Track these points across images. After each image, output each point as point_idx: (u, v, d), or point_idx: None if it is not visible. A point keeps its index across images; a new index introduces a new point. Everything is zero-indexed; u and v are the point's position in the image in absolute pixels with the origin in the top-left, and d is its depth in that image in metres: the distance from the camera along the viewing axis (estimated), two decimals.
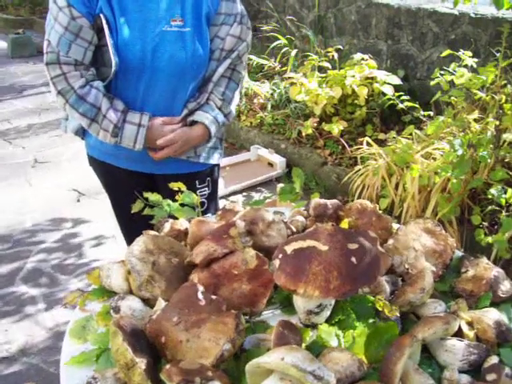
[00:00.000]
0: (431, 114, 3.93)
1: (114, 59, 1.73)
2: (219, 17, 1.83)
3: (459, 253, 1.51)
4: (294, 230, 1.49)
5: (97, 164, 2.07)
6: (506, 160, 3.10)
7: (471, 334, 1.16)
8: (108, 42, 1.72)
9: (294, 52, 5.38)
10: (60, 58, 1.71)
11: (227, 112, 1.95)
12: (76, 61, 1.73)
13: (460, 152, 2.87)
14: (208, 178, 2.08)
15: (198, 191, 2.03)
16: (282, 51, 5.58)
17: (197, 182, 2.04)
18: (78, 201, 4.24)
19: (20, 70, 7.73)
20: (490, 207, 2.85)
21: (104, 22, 1.70)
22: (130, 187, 1.99)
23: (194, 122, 1.90)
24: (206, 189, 2.08)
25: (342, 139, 4.40)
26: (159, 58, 1.77)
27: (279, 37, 5.63)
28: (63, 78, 1.72)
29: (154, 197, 1.65)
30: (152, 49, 1.75)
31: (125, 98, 1.82)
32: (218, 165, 2.15)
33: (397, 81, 4.33)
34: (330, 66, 4.77)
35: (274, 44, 5.65)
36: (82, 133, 1.97)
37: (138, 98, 1.83)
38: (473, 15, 4.22)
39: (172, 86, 1.82)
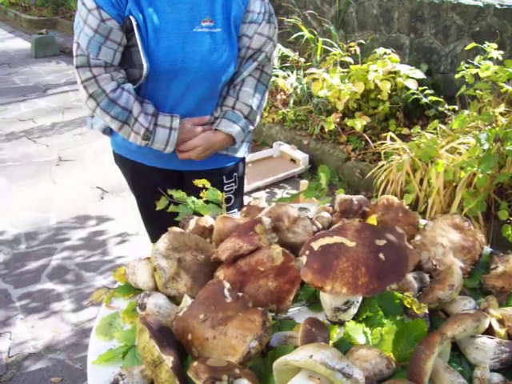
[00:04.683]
0: (456, 108, 3.88)
1: (144, 62, 1.71)
2: (247, 14, 1.79)
3: (488, 249, 1.48)
4: (320, 226, 1.47)
5: (124, 162, 2.07)
6: None
7: (502, 331, 1.14)
8: (139, 45, 1.70)
9: (321, 39, 5.33)
10: (90, 61, 1.70)
11: (253, 119, 1.94)
12: (106, 63, 1.71)
13: (486, 146, 2.82)
14: (235, 174, 2.08)
15: (225, 186, 2.03)
16: (305, 38, 5.55)
17: (224, 177, 2.04)
18: (102, 198, 4.27)
19: (43, 70, 7.81)
20: None
21: (134, 24, 1.68)
22: (157, 185, 1.98)
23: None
24: (233, 184, 2.08)
25: (365, 134, 4.37)
26: (191, 59, 1.74)
27: (302, 28, 5.60)
28: (94, 81, 1.71)
29: (178, 194, 1.64)
30: (183, 50, 1.73)
31: (155, 100, 1.81)
32: (243, 160, 2.14)
33: (420, 75, 4.27)
34: (352, 61, 4.74)
35: (297, 34, 5.62)
36: (109, 131, 1.97)
37: (169, 101, 1.82)
38: (498, 6, 4.15)
39: (204, 88, 1.81)
